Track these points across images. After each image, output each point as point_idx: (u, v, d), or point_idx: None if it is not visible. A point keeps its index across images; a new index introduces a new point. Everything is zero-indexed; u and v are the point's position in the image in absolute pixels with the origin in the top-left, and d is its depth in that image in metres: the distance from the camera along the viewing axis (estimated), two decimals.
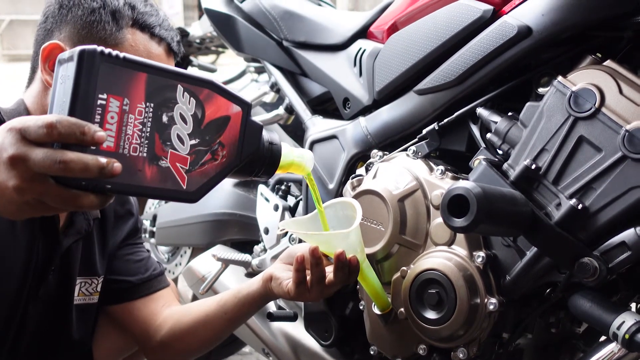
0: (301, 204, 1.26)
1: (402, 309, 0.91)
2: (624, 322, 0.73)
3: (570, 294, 0.80)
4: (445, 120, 0.97)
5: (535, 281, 0.82)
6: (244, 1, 1.47)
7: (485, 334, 0.84)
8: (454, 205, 0.69)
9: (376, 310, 0.96)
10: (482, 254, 0.84)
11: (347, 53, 1.25)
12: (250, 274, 1.28)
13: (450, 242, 0.88)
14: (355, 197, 1.00)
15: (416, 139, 1.01)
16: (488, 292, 0.83)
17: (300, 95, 1.36)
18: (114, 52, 0.59)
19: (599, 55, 0.82)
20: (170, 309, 1.09)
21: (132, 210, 1.14)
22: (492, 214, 0.69)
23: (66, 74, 0.59)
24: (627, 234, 0.74)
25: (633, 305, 0.93)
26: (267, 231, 1.28)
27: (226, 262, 1.23)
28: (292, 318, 1.14)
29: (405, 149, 1.01)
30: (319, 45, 1.32)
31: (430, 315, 0.86)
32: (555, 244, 0.76)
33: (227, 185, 1.48)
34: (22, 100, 0.97)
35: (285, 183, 1.33)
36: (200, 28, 2.06)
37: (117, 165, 0.56)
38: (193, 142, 0.65)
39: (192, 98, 0.64)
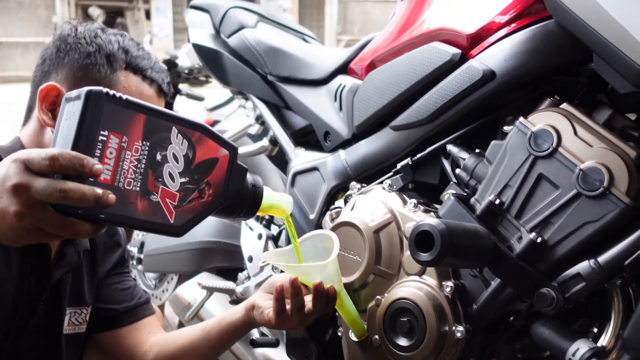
0: (284, 232, 1.31)
1: (376, 336, 0.96)
2: (578, 349, 0.78)
3: (532, 322, 0.85)
4: (419, 156, 1.03)
5: (500, 309, 0.87)
6: (230, 36, 1.54)
7: (453, 357, 0.88)
8: (421, 240, 0.75)
9: (353, 337, 1.01)
10: (450, 283, 0.89)
11: (328, 88, 1.31)
12: (235, 301, 1.32)
13: (421, 273, 0.93)
14: (334, 228, 1.05)
15: (391, 173, 1.07)
16: (456, 320, 0.88)
17: (284, 128, 1.42)
18: (118, 94, 0.64)
19: (557, 97, 0.88)
20: (156, 337, 1.12)
21: (120, 241, 1.18)
22: (456, 248, 0.74)
23: (72, 110, 0.63)
24: (582, 266, 0.79)
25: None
26: (250, 259, 1.32)
27: (211, 290, 1.27)
28: (274, 344, 1.18)
29: (381, 182, 1.07)
30: (301, 80, 1.38)
31: (402, 342, 0.91)
32: (516, 275, 0.82)
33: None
34: (18, 138, 1.01)
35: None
36: (188, 59, 2.13)
37: (112, 196, 0.61)
38: (183, 180, 0.70)
39: (184, 140, 0.69)
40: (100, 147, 0.62)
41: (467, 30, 0.96)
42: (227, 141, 0.75)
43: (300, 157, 1.31)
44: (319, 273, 0.88)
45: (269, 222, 1.36)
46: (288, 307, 0.90)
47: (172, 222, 0.69)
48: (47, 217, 0.60)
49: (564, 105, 0.85)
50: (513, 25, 0.90)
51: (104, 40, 1.00)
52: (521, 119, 0.87)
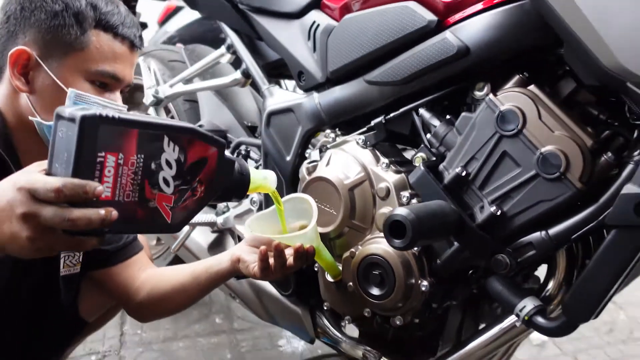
0: (261, 168, 1.37)
1: (350, 283, 1.07)
2: (525, 306, 0.91)
3: (487, 277, 0.97)
4: (392, 115, 1.08)
5: (461, 265, 0.99)
6: None
7: (419, 306, 1.01)
8: (395, 228, 0.83)
9: (329, 278, 1.13)
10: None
11: (301, 23, 1.30)
12: (216, 231, 1.41)
13: None
14: (311, 182, 1.12)
15: (365, 129, 1.12)
16: (421, 275, 0.99)
17: (257, 60, 1.42)
18: (111, 114, 0.66)
19: (526, 74, 0.93)
20: (147, 273, 1.22)
21: None
22: (425, 232, 0.83)
23: (66, 130, 0.66)
24: (534, 237, 0.89)
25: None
26: None
27: (193, 225, 1.35)
28: None
29: (359, 133, 1.13)
30: (274, 12, 1.35)
31: (374, 291, 1.03)
32: (476, 242, 0.92)
33: None
34: None
35: (246, 146, 1.43)
36: None
37: (115, 213, 0.66)
38: (177, 183, 0.74)
39: (176, 145, 0.73)
40: (99, 168, 0.66)
41: None
42: (215, 138, 0.79)
43: (275, 97, 1.33)
44: (300, 239, 0.96)
45: (245, 157, 1.42)
46: (271, 263, 0.99)
47: (169, 222, 0.75)
48: (58, 240, 0.66)
49: (532, 87, 0.89)
50: (487, 1, 0.92)
51: None
52: (491, 96, 0.92)
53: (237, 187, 0.85)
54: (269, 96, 1.34)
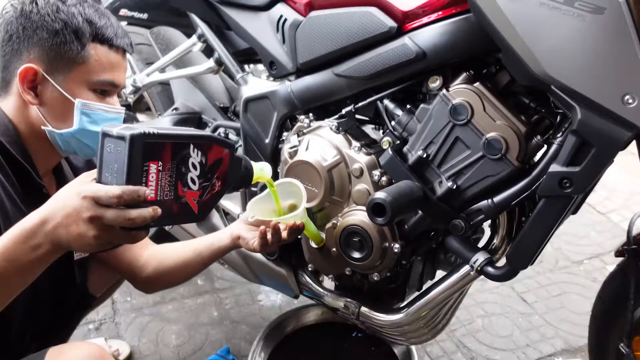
0: (240, 149, 1.53)
1: (334, 249, 1.28)
2: (477, 259, 1.15)
3: (446, 236, 1.20)
4: (360, 104, 1.26)
5: (424, 229, 1.21)
6: None
7: (392, 264, 1.24)
8: (377, 208, 1.03)
9: (313, 245, 1.33)
10: None
11: (269, 16, 1.43)
12: None
13: (365, 203, 1.23)
14: (293, 165, 1.30)
15: (337, 116, 1.29)
16: (393, 239, 1.21)
17: (229, 49, 1.55)
18: (151, 131, 0.81)
19: (472, 72, 1.12)
20: (149, 251, 1.37)
21: None
22: (400, 209, 1.04)
23: (114, 146, 0.80)
24: (483, 204, 1.11)
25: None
26: None
27: None
28: None
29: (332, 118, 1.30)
30: (241, 4, 1.48)
31: (355, 254, 1.24)
32: (437, 211, 1.13)
33: (165, 124, 1.69)
34: (1, 112, 1.11)
35: (224, 129, 1.58)
36: None
37: (159, 210, 0.82)
38: (201, 181, 0.91)
39: (199, 151, 0.89)
40: (145, 175, 0.82)
41: (404, 8, 1.14)
42: (227, 141, 0.95)
43: (250, 84, 1.47)
44: (293, 218, 1.15)
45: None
46: (269, 238, 1.18)
47: (197, 213, 0.92)
48: (117, 235, 0.82)
49: (477, 85, 1.09)
50: (440, 13, 1.10)
51: (67, 14, 1.08)
52: (444, 91, 1.11)
53: (244, 179, 1.03)
54: (243, 84, 1.49)
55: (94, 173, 0.85)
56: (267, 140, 1.43)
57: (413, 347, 1.57)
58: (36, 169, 1.13)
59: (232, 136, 1.58)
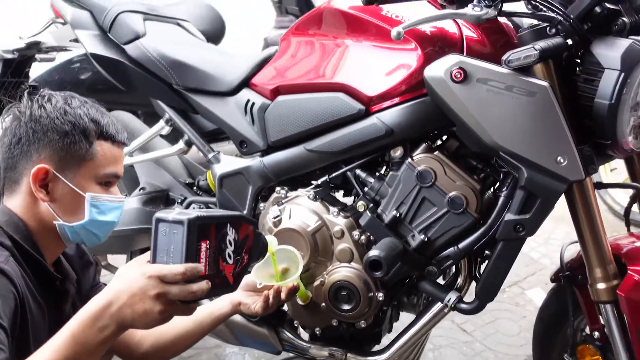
0: None
1: (323, 304, 1.43)
2: (451, 298, 1.36)
3: (420, 281, 1.40)
4: (334, 175, 1.45)
5: (402, 276, 1.41)
6: (126, 44, 1.68)
7: (376, 311, 1.41)
8: (373, 264, 1.21)
9: (300, 302, 1.47)
10: None
11: (236, 100, 1.60)
12: None
13: (349, 261, 1.41)
14: (279, 232, 1.45)
15: (313, 186, 1.47)
16: (377, 289, 1.39)
17: (197, 131, 1.68)
18: (202, 214, 0.94)
19: (430, 142, 1.36)
20: None
21: (90, 259, 1.42)
22: (393, 262, 1.23)
23: (169, 230, 0.92)
24: (450, 251, 1.34)
25: None
26: None
27: None
28: None
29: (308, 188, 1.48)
30: (209, 92, 1.63)
31: (345, 307, 1.41)
32: (414, 261, 1.34)
33: (134, 204, 1.77)
34: (8, 210, 1.17)
35: (198, 205, 1.70)
36: (55, 40, 2.09)
37: (210, 284, 0.94)
38: (234, 255, 1.03)
39: (233, 228, 1.03)
40: (197, 253, 0.94)
41: (370, 93, 1.36)
42: (251, 220, 1.10)
43: (222, 162, 1.61)
44: (292, 282, 1.30)
45: None
46: (271, 301, 1.31)
47: (232, 284, 1.04)
48: (178, 308, 0.92)
49: (437, 153, 1.33)
50: (401, 97, 1.33)
51: (74, 116, 1.17)
52: (409, 159, 1.34)
53: (262, 251, 1.16)
54: (215, 162, 1.63)
55: (145, 257, 0.96)
56: (244, 212, 1.57)
57: None
58: (45, 259, 1.20)
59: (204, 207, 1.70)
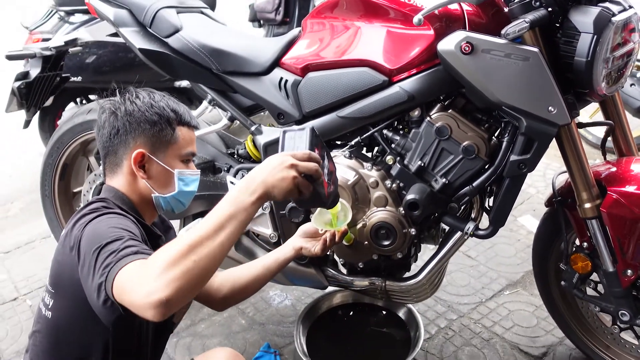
0: None
1: (366, 242, 1.75)
2: (469, 227, 1.69)
3: (442, 215, 1.72)
4: (365, 136, 1.74)
5: (428, 213, 1.73)
6: (168, 37, 1.92)
7: (409, 244, 1.74)
8: (411, 204, 1.53)
9: (345, 243, 1.79)
10: (401, 209, 1.70)
11: (270, 79, 1.86)
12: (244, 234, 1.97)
13: (385, 205, 1.72)
14: None
15: (348, 146, 1.77)
16: (409, 225, 1.71)
17: (238, 107, 1.95)
18: (315, 130, 1.25)
19: (443, 102, 1.65)
20: (218, 277, 1.74)
21: (169, 224, 1.71)
22: (427, 203, 1.55)
23: (294, 135, 1.25)
24: (467, 189, 1.65)
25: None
26: None
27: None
28: None
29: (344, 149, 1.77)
30: (246, 73, 1.89)
31: (385, 243, 1.73)
32: (438, 200, 1.66)
33: None
34: (115, 189, 1.44)
35: (245, 170, 1.98)
36: (90, 35, 2.30)
37: (320, 171, 1.23)
38: (327, 177, 1.29)
39: (328, 159, 1.32)
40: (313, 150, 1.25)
41: (391, 66, 1.64)
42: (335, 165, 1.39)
43: (265, 133, 1.89)
44: (344, 226, 1.61)
45: None
46: (328, 243, 1.62)
47: (327, 199, 1.28)
48: (302, 181, 1.20)
49: (450, 111, 1.63)
50: (417, 68, 1.61)
51: (159, 108, 1.43)
52: (428, 118, 1.63)
53: (335, 198, 1.43)
54: (258, 134, 1.90)
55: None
56: None
57: (412, 307, 2.08)
58: (147, 225, 1.48)
59: None
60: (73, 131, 2.30)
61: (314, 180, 1.21)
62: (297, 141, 1.23)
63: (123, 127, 1.41)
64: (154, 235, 1.46)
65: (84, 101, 3.70)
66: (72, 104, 3.70)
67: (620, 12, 1.46)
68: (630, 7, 1.51)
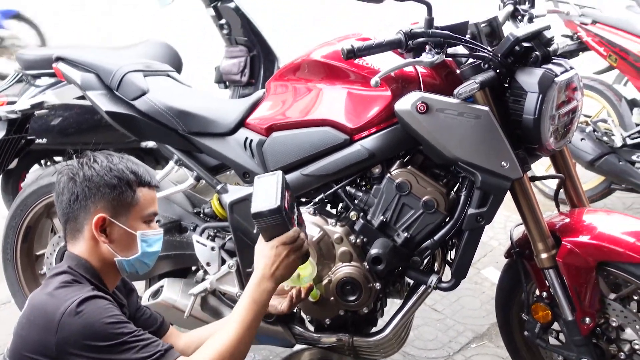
0: (229, 242, 1.95)
1: (332, 298, 1.77)
2: (433, 279, 1.72)
3: (405, 269, 1.76)
4: (329, 193, 1.79)
5: (392, 268, 1.76)
6: (135, 100, 1.96)
7: (375, 298, 1.76)
8: (375, 259, 1.56)
9: (311, 299, 1.80)
10: (365, 264, 1.73)
11: (235, 139, 1.91)
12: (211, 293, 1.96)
13: (350, 260, 1.75)
14: None
15: (312, 204, 1.81)
16: (374, 280, 1.74)
17: (203, 167, 1.98)
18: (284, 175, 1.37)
19: (402, 159, 1.72)
20: (185, 337, 1.72)
21: (132, 286, 1.70)
22: (390, 258, 1.58)
23: (266, 181, 1.41)
24: (428, 243, 1.70)
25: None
26: (208, 264, 1.95)
27: (195, 295, 1.89)
28: None
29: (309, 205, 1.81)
30: (211, 133, 1.94)
31: (351, 298, 1.75)
32: (401, 255, 1.70)
33: None
34: (76, 256, 1.43)
35: (212, 229, 1.99)
36: (57, 98, 2.33)
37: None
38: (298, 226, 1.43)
39: (298, 210, 1.48)
40: (283, 195, 1.36)
41: (352, 125, 1.71)
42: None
43: (230, 192, 1.92)
44: (310, 282, 1.63)
45: (214, 237, 1.98)
46: (294, 300, 1.63)
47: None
48: (299, 254, 1.38)
49: (409, 167, 1.69)
50: (377, 127, 1.68)
51: (118, 171, 1.43)
52: (388, 174, 1.69)
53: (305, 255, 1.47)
54: (224, 192, 1.93)
55: (262, 240, 1.41)
56: (255, 231, 1.88)
57: None
58: (108, 291, 1.47)
59: (219, 235, 2.00)
60: (38, 193, 2.29)
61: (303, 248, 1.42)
62: (270, 191, 1.36)
63: (82, 192, 1.41)
64: (118, 304, 1.45)
65: (48, 163, 3.67)
66: (36, 166, 3.67)
67: (562, 72, 1.57)
68: (572, 67, 1.62)
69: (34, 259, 2.49)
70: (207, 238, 1.98)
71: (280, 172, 1.42)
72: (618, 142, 2.99)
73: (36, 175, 2.36)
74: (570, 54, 3.02)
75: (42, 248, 2.48)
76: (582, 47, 3.04)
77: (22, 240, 2.40)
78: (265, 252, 1.37)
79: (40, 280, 2.46)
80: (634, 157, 2.95)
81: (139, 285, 2.25)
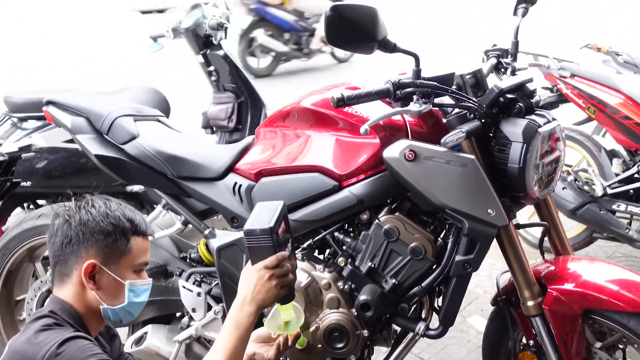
0: (215, 287, 1.94)
1: (319, 345, 1.75)
2: (420, 327, 1.72)
3: (393, 316, 1.75)
4: (317, 239, 1.79)
5: (379, 315, 1.75)
6: (124, 144, 1.97)
7: (363, 345, 1.75)
8: (363, 306, 1.56)
9: (298, 347, 1.78)
10: (354, 311, 1.72)
11: (224, 184, 1.92)
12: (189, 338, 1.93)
13: (337, 307, 1.74)
14: None
15: (300, 249, 1.81)
16: (362, 328, 1.73)
17: (191, 212, 1.98)
18: (280, 219, 1.37)
19: (390, 205, 1.74)
20: None
21: (115, 332, 1.67)
22: (378, 304, 1.58)
23: (267, 206, 1.41)
24: (416, 289, 1.71)
25: None
26: (194, 310, 1.92)
27: (180, 342, 1.86)
28: None
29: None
30: (200, 178, 1.95)
31: (339, 345, 1.73)
32: (389, 301, 1.69)
33: None
34: (61, 300, 1.41)
35: (199, 275, 1.97)
36: (45, 141, 2.33)
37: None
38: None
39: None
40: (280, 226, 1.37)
41: (341, 172, 1.73)
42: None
43: (218, 237, 1.92)
44: (297, 329, 1.62)
45: (200, 282, 1.96)
46: (281, 348, 1.61)
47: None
48: (283, 280, 1.36)
49: (397, 214, 1.71)
50: (365, 173, 1.71)
51: (114, 218, 1.42)
52: (377, 221, 1.71)
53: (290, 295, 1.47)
54: (211, 237, 1.93)
55: (249, 264, 1.41)
56: None
57: None
58: (92, 335, 1.44)
59: (205, 280, 1.98)
60: (20, 237, 2.26)
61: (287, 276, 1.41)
62: (267, 214, 1.38)
63: (76, 236, 1.40)
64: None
65: (31, 206, 3.63)
66: (18, 209, 3.63)
67: (545, 123, 1.62)
68: (554, 119, 1.68)
69: (14, 304, 2.44)
70: (194, 283, 1.96)
71: (282, 202, 1.44)
72: (599, 192, 3.05)
73: (19, 218, 2.33)
74: (550, 106, 3.12)
75: (22, 293, 2.43)
76: (562, 99, 3.14)
77: (3, 284, 2.36)
78: (248, 275, 1.37)
79: (19, 327, 2.40)
80: (614, 207, 3.01)
81: (122, 332, 2.21)
